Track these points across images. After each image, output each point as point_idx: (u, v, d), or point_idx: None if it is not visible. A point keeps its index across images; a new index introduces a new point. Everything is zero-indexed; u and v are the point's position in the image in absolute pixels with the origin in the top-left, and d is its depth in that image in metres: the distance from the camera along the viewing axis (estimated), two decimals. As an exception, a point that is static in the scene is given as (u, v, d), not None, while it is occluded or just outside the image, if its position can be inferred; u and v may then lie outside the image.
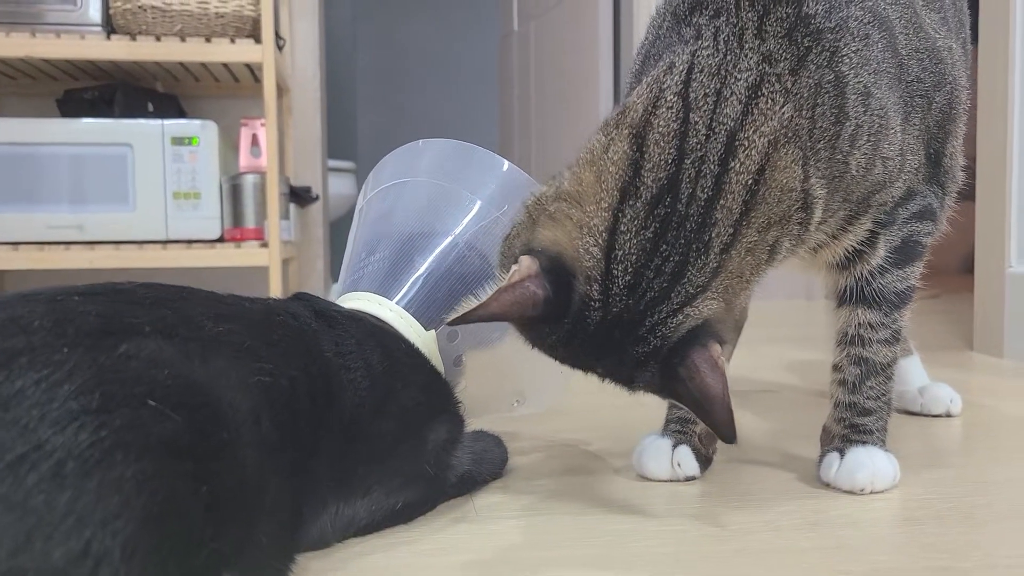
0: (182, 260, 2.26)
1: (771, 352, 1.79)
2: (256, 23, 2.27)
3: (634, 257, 0.67)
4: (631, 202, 0.68)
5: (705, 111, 0.69)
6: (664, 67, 0.72)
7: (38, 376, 0.45)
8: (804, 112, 0.71)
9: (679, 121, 0.69)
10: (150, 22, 2.18)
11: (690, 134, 0.69)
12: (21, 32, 2.13)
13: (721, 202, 0.69)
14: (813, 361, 1.68)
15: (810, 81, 0.72)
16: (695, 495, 0.86)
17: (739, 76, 0.70)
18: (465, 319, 0.66)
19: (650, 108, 0.70)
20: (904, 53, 0.81)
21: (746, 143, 0.69)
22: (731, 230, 0.69)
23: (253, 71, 2.54)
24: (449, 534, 0.75)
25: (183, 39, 2.20)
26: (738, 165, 0.69)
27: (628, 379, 0.71)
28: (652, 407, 0.95)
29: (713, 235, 0.69)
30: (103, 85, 2.44)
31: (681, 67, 0.71)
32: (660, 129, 0.69)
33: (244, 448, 0.52)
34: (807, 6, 0.73)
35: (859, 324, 0.86)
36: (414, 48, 5.34)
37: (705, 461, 0.91)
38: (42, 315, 0.50)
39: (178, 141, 2.28)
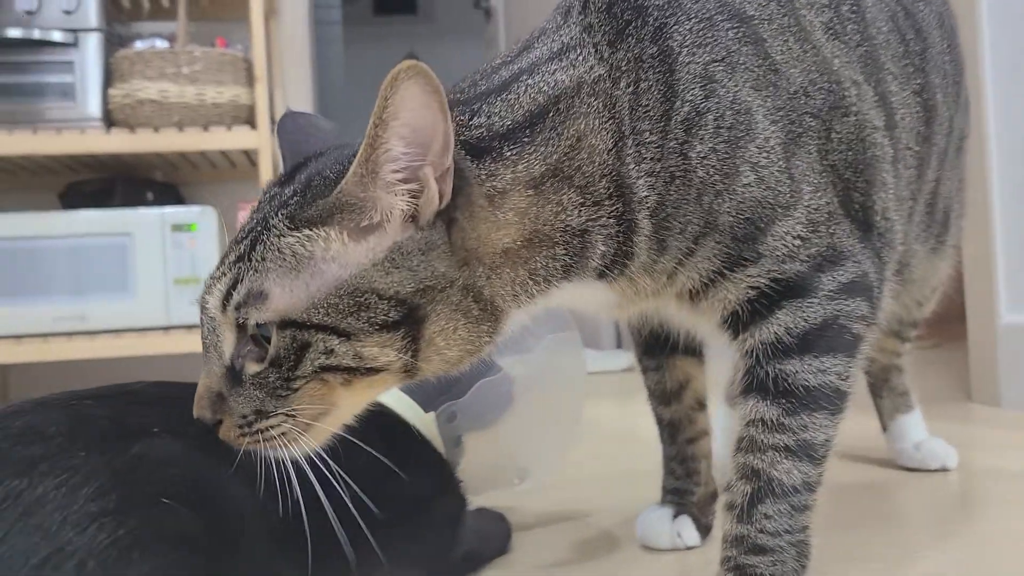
0: (184, 345, 2.28)
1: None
2: (251, 110, 2.33)
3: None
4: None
5: (518, 51, 0.72)
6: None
7: (58, 481, 0.48)
8: (622, 84, 0.68)
9: (514, 49, 0.73)
10: (148, 115, 2.24)
11: (503, 56, 0.72)
12: (23, 130, 2.19)
13: (503, 94, 0.67)
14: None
15: (629, 54, 0.68)
16: (699, 565, 0.87)
17: (557, 37, 0.71)
18: None
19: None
20: (779, 59, 0.72)
21: (544, 72, 0.68)
22: (507, 123, 0.66)
23: (249, 156, 2.60)
24: (456, 614, 0.76)
25: (181, 129, 2.26)
26: (531, 81, 0.68)
27: None
28: (649, 478, 0.96)
29: (484, 108, 0.66)
30: (104, 178, 2.50)
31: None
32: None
33: (253, 540, 0.54)
34: None
35: (752, 421, 0.70)
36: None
37: (705, 529, 0.92)
38: (57, 421, 0.53)
39: (178, 228, 2.32)
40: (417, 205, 0.61)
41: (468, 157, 0.64)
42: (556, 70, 0.68)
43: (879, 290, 0.73)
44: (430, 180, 0.60)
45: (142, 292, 2.30)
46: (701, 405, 0.92)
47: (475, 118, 0.66)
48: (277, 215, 0.61)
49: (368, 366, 0.60)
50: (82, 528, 0.46)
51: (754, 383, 0.70)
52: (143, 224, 2.29)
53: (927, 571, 0.81)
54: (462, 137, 0.65)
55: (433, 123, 0.59)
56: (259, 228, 0.61)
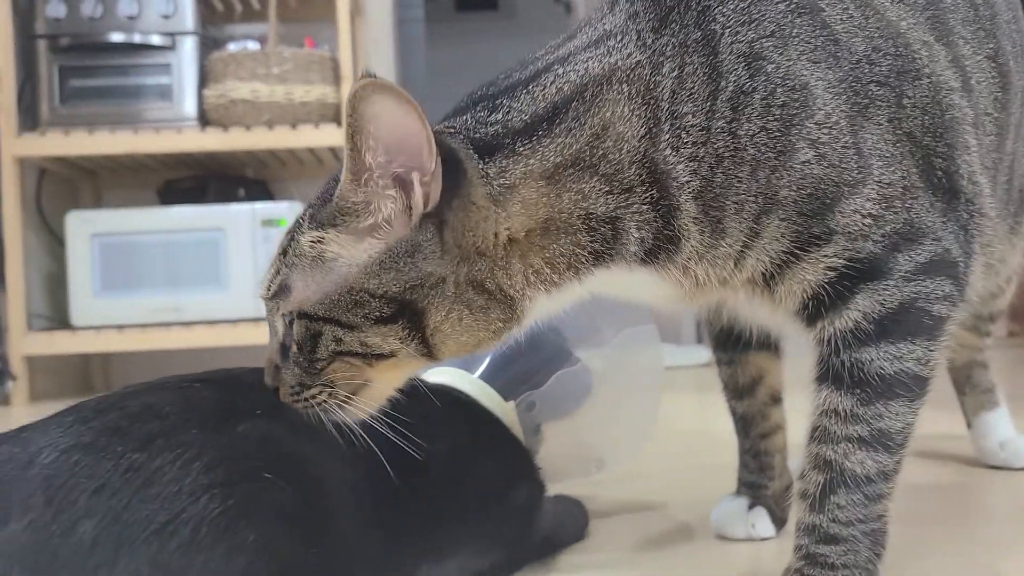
0: (273, 336, 2.36)
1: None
2: (338, 108, 2.41)
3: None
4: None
5: (563, 39, 0.72)
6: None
7: (173, 455, 0.53)
8: (664, 71, 0.66)
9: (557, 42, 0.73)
10: (240, 114, 2.33)
11: (548, 45, 0.72)
12: (124, 130, 2.31)
13: (529, 86, 0.67)
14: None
15: (673, 40, 0.67)
16: (772, 556, 0.88)
17: (599, 25, 0.70)
18: None
19: None
20: (839, 27, 0.69)
21: (577, 61, 0.67)
22: (525, 118, 0.66)
23: (335, 153, 2.67)
24: (534, 595, 0.79)
25: (271, 127, 2.35)
26: (561, 70, 0.67)
27: None
28: (726, 471, 0.98)
29: (505, 103, 0.66)
30: (198, 175, 2.60)
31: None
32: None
33: (344, 515, 0.58)
34: None
35: (825, 411, 0.68)
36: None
37: (780, 522, 0.93)
38: (171, 402, 0.58)
39: (267, 223, 2.40)
40: (411, 208, 0.63)
41: (475, 155, 0.65)
42: (590, 58, 0.67)
43: (965, 266, 0.69)
44: (414, 185, 0.62)
45: (234, 285, 2.39)
46: (775, 400, 0.91)
47: (494, 114, 0.67)
48: (306, 213, 0.66)
49: (376, 353, 0.64)
50: (196, 498, 0.51)
51: (829, 372, 0.68)
52: (235, 219, 2.38)
53: (1010, 569, 0.80)
54: (476, 135, 0.66)
55: (405, 132, 0.61)
56: (296, 224, 0.67)
